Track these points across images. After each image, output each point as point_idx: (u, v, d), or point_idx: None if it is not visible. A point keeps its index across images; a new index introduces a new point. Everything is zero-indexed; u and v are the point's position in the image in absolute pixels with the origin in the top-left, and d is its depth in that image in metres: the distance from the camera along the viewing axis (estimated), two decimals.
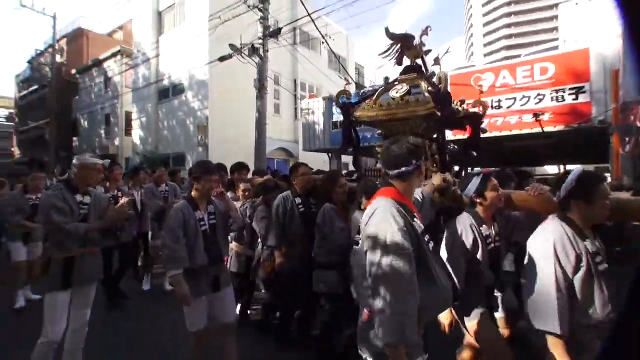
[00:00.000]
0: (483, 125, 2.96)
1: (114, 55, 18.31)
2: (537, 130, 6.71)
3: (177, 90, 14.95)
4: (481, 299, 2.09)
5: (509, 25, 62.20)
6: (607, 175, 6.12)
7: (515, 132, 7.04)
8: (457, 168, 3.05)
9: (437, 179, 2.32)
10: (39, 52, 20.36)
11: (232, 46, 8.95)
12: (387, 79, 2.87)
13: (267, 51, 9.02)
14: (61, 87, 19.31)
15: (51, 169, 14.72)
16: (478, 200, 2.12)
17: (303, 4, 8.80)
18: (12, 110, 31.01)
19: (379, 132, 3.11)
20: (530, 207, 2.13)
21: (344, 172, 4.26)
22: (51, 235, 2.54)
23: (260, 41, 8.91)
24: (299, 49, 14.93)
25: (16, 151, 29.27)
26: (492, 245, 2.12)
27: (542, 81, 6.74)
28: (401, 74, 2.75)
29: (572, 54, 6.58)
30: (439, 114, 2.37)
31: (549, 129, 6.58)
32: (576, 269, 1.58)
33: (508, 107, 7.11)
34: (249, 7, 8.87)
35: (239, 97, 13.34)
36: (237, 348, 2.56)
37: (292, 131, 16.43)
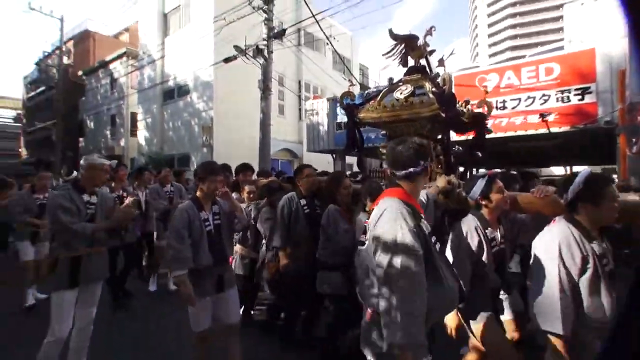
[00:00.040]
0: (487, 126, 2.95)
1: (119, 56, 18.45)
2: (543, 130, 6.67)
3: (182, 91, 15.04)
4: (486, 302, 2.08)
5: (514, 26, 61.88)
6: (614, 176, 6.07)
7: (520, 132, 7.00)
8: (461, 169, 3.04)
9: (441, 181, 2.31)
10: (46, 53, 20.58)
11: (236, 47, 8.99)
12: (391, 79, 2.87)
13: (272, 52, 9.06)
14: (68, 88, 19.49)
15: (57, 169, 14.88)
16: (483, 202, 2.11)
17: (307, 5, 8.81)
18: (19, 111, 31.34)
19: (383, 132, 3.11)
20: (536, 209, 2.12)
21: (348, 173, 4.27)
22: (58, 234, 2.55)
23: (265, 42, 8.95)
24: (303, 49, 14.98)
25: (23, 151, 29.59)
26: (497, 247, 2.10)
27: (547, 81, 6.70)
28: (405, 74, 2.75)
29: (578, 54, 6.54)
30: (443, 115, 2.37)
31: (554, 129, 6.54)
32: (582, 270, 1.57)
33: (513, 108, 7.07)
34: (253, 8, 8.91)
35: (244, 98, 13.39)
36: (240, 348, 2.56)
37: (296, 132, 16.46)
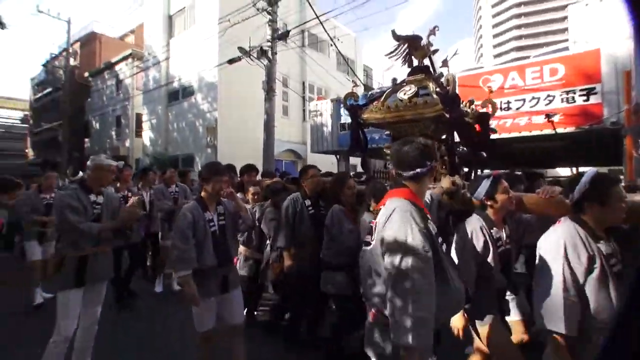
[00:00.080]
0: (492, 125, 2.94)
1: (125, 58, 18.59)
2: (548, 131, 6.64)
3: (186, 92, 15.12)
4: (492, 303, 2.06)
5: (518, 27, 61.62)
6: (621, 177, 6.03)
7: (525, 133, 6.97)
8: (466, 169, 3.03)
9: (446, 182, 2.30)
10: (53, 55, 20.79)
11: (240, 49, 9.04)
12: (394, 80, 2.87)
13: (276, 53, 9.09)
14: (74, 89, 19.66)
15: (63, 170, 15.02)
16: (488, 203, 2.10)
17: (311, 6, 8.85)
18: (27, 112, 31.64)
19: (387, 133, 3.11)
20: (542, 210, 2.11)
21: (352, 173, 4.27)
22: (65, 234, 2.58)
23: (269, 43, 8.99)
24: (307, 51, 15.00)
25: (30, 152, 29.87)
26: (503, 247, 2.09)
27: (552, 82, 6.67)
28: (409, 75, 2.75)
29: (583, 54, 6.51)
30: (447, 115, 2.37)
31: (559, 130, 6.51)
32: (588, 270, 1.56)
33: (517, 109, 7.05)
34: (257, 10, 8.96)
35: (248, 99, 13.45)
36: (244, 349, 2.57)
37: (300, 133, 16.48)
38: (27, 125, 31.13)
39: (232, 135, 13.34)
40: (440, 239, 1.56)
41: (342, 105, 9.75)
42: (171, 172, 5.26)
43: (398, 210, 1.47)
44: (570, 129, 6.49)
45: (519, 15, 61.83)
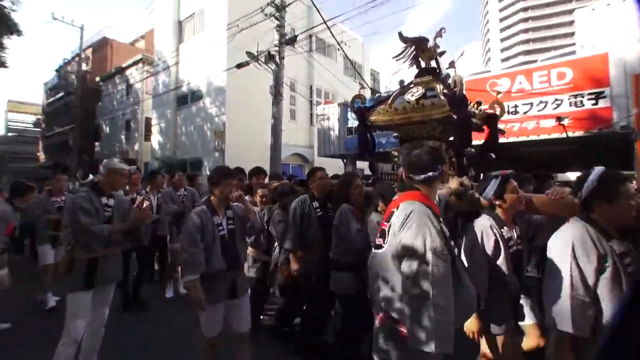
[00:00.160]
0: (500, 127, 2.93)
1: (135, 63, 18.90)
2: (556, 135, 6.60)
3: (195, 96, 15.31)
4: (506, 308, 2.02)
5: (525, 30, 61.30)
6: (634, 182, 5.95)
7: (533, 137, 6.93)
8: (474, 171, 3.02)
9: (454, 183, 2.31)
10: (66, 60, 21.23)
11: (249, 53, 9.15)
12: (401, 82, 2.89)
13: (283, 58, 9.19)
14: (85, 94, 20.01)
15: (73, 173, 15.26)
16: (497, 203, 2.08)
17: (319, 11, 8.94)
18: (39, 117, 32.26)
19: (395, 135, 3.13)
20: (551, 210, 2.08)
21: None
22: (76, 235, 2.60)
23: (276, 48, 9.09)
24: (314, 55, 15.13)
25: (41, 155, 30.41)
26: (514, 247, 2.05)
27: (560, 86, 6.64)
28: (416, 76, 2.77)
29: (590, 58, 6.47)
30: (454, 116, 2.38)
31: (568, 134, 6.46)
32: (599, 270, 1.54)
33: (525, 112, 7.02)
34: (265, 15, 9.08)
35: (256, 103, 13.58)
36: (250, 355, 2.56)
37: (307, 137, 16.55)
38: (39, 129, 31.72)
39: (240, 139, 13.45)
40: (452, 242, 1.56)
41: (349, 109, 9.80)
42: (180, 176, 5.29)
43: (416, 212, 1.46)
44: (579, 133, 6.44)
45: (526, 20, 61.56)
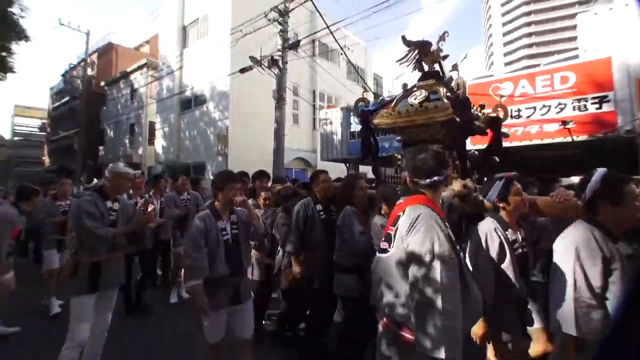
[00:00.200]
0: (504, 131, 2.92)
1: (140, 67, 19.06)
2: (559, 139, 6.58)
3: (198, 100, 15.40)
4: (512, 312, 2.00)
5: (529, 34, 61.38)
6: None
7: (536, 141, 6.92)
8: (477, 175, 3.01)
9: (457, 185, 2.29)
10: (72, 65, 21.48)
11: (252, 58, 9.21)
12: (405, 85, 2.89)
13: (286, 63, 9.24)
14: (90, 98, 20.20)
15: (77, 177, 15.37)
16: (501, 205, 2.07)
17: (322, 16, 9.01)
18: (45, 121, 32.58)
19: (398, 139, 3.13)
20: (556, 213, 2.07)
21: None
22: (81, 239, 2.61)
23: (280, 53, 9.16)
24: (317, 60, 15.21)
25: (46, 159, 30.67)
26: (520, 250, 2.03)
27: (563, 90, 6.64)
28: (419, 80, 2.78)
29: (593, 62, 6.47)
30: (458, 119, 2.38)
31: (571, 138, 6.44)
32: (606, 273, 1.52)
33: (528, 117, 7.01)
34: (269, 20, 9.15)
35: (259, 108, 13.65)
36: None
37: (310, 141, 16.60)
38: (44, 133, 32.02)
39: (243, 144, 13.50)
40: (458, 246, 1.55)
41: (352, 113, 9.83)
42: (183, 180, 5.29)
43: (423, 217, 1.44)
44: (583, 137, 6.42)
45: (529, 24, 61.65)
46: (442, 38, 2.65)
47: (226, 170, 3.20)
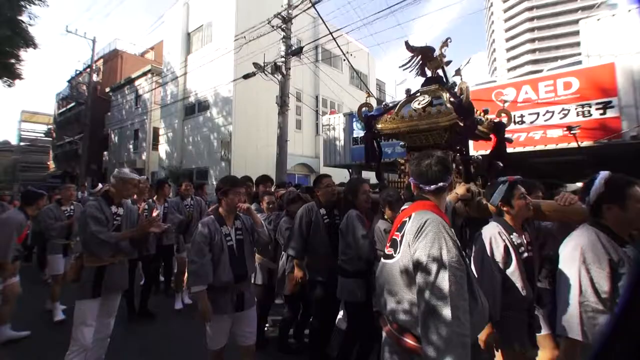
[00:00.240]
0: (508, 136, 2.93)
1: (144, 73, 19.25)
2: (563, 145, 6.55)
3: (202, 106, 15.50)
4: (520, 319, 1.97)
5: (532, 40, 61.50)
6: None
7: (540, 147, 6.89)
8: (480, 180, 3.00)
9: (461, 189, 2.28)
10: (78, 72, 21.73)
11: (255, 64, 9.27)
12: (408, 90, 2.91)
13: (289, 69, 9.30)
14: (95, 104, 20.40)
15: (81, 182, 15.48)
16: (504, 209, 2.05)
17: (324, 23, 9.07)
18: (50, 126, 32.88)
19: (401, 144, 3.14)
20: (560, 217, 2.05)
21: None
22: (86, 243, 2.63)
23: (283, 59, 9.22)
24: (320, 66, 15.31)
25: (52, 164, 30.91)
26: (525, 254, 2.00)
27: (566, 95, 6.63)
28: (422, 85, 2.80)
29: (597, 68, 6.46)
30: (461, 124, 2.39)
31: (575, 144, 6.41)
32: (613, 276, 1.49)
33: (531, 122, 7.00)
34: (272, 27, 9.22)
35: (262, 113, 13.73)
36: None
37: (313, 146, 16.62)
38: (50, 139, 32.30)
39: (246, 149, 13.55)
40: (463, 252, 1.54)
41: (354, 119, 9.86)
42: (186, 185, 5.30)
43: (431, 222, 1.43)
44: (588, 143, 6.39)
45: (532, 30, 61.79)
46: (445, 44, 2.67)
47: (230, 175, 3.21)
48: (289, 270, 3.30)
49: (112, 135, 22.36)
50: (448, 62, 2.72)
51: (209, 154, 14.75)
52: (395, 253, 1.52)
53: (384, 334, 1.58)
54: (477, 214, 2.28)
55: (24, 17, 10.50)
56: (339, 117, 10.73)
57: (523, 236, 2.06)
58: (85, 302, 2.56)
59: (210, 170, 14.49)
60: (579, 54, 8.16)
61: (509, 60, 64.94)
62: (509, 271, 1.95)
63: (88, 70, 19.68)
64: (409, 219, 1.52)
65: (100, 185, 6.19)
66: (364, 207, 2.86)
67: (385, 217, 2.77)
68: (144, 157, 18.96)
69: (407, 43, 2.74)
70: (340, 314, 3.61)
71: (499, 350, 2.00)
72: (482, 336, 1.94)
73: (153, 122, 18.52)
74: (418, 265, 1.38)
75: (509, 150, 3.95)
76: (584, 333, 1.48)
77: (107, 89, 22.59)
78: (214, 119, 14.67)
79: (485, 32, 78.20)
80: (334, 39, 8.63)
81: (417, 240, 1.42)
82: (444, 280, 1.30)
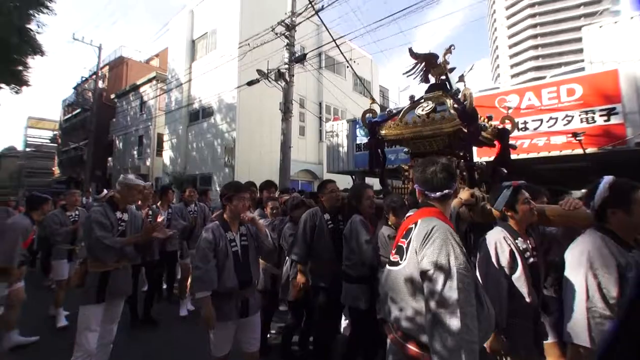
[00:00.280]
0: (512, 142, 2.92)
1: (149, 80, 19.46)
2: (567, 152, 6.53)
3: (206, 112, 15.62)
4: (526, 326, 1.94)
5: (535, 47, 61.62)
6: None
7: (544, 153, 6.87)
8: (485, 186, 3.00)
9: (465, 194, 2.28)
10: (84, 78, 22.00)
11: (259, 71, 9.34)
12: (412, 97, 2.93)
13: (293, 75, 9.36)
14: (100, 110, 20.60)
15: (86, 187, 15.57)
16: (509, 213, 2.04)
17: (328, 30, 9.14)
18: (56, 132, 33.17)
19: (405, 150, 3.15)
20: (565, 222, 2.04)
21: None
22: (91, 248, 2.64)
23: (286, 66, 9.29)
24: (324, 73, 15.40)
25: (57, 170, 31.13)
26: (531, 259, 1.98)
27: (570, 102, 6.62)
28: (426, 92, 2.81)
29: (600, 75, 6.46)
30: (465, 130, 2.40)
31: (579, 150, 6.39)
32: (621, 281, 1.48)
33: (535, 129, 6.99)
34: (276, 34, 9.31)
35: (265, 120, 13.81)
36: None
37: (316, 153, 16.66)
38: (55, 145, 32.57)
39: (250, 155, 13.61)
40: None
41: (357, 126, 9.88)
42: (190, 191, 5.31)
43: (438, 229, 1.42)
44: (592, 150, 6.36)
45: (534, 36, 61.95)
46: (448, 51, 2.69)
47: (234, 181, 3.22)
48: (292, 276, 3.28)
49: (117, 142, 22.54)
50: (452, 69, 2.73)
51: (213, 160, 14.81)
52: (401, 260, 1.52)
53: (388, 341, 1.57)
54: (481, 218, 2.27)
55: (32, 25, 10.67)
56: (342, 123, 10.75)
57: (528, 241, 2.04)
58: (89, 307, 2.57)
59: (214, 176, 14.54)
60: (582, 60, 8.17)
61: (512, 66, 65.03)
62: (514, 277, 1.93)
63: (94, 77, 19.91)
64: (415, 225, 1.51)
65: (105, 191, 6.23)
66: (367, 213, 2.86)
67: (389, 223, 2.77)
68: (148, 163, 19.07)
69: (410, 50, 2.77)
70: (345, 322, 3.59)
71: (506, 358, 1.97)
72: (489, 343, 1.91)
73: (157, 128, 18.67)
74: (426, 272, 1.38)
75: (513, 156, 3.95)
76: (592, 339, 1.46)
77: (113, 96, 22.84)
78: (217, 125, 14.76)
79: (489, 38, 78.50)
80: (337, 46, 8.69)
81: (424, 247, 1.41)
82: (452, 287, 1.30)
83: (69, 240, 4.56)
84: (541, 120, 6.94)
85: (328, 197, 3.16)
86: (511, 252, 1.93)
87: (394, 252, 1.61)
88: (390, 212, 2.70)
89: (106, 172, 22.82)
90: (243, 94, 12.88)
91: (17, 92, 11.90)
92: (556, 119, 6.76)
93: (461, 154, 2.85)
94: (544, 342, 2.12)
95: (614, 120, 6.20)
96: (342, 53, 9.04)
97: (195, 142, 16.08)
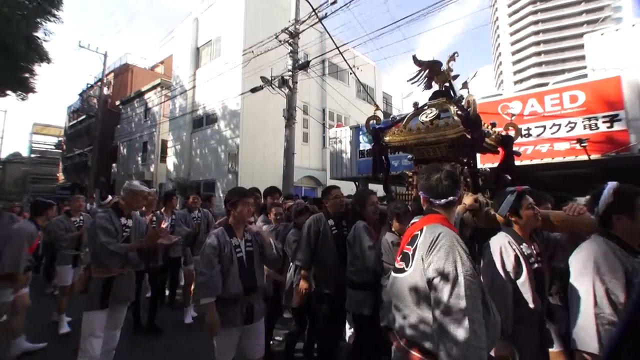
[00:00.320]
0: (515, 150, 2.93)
1: (154, 87, 19.62)
2: (570, 158, 6.52)
3: (210, 119, 15.71)
4: (531, 334, 1.93)
5: (538, 54, 61.78)
6: None
7: (547, 160, 6.86)
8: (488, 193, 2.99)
9: (469, 199, 2.28)
10: (89, 85, 22.24)
11: (263, 78, 9.42)
12: (416, 104, 2.95)
13: (296, 82, 9.42)
14: (105, 117, 20.79)
15: (90, 193, 15.65)
16: (513, 219, 2.04)
17: (331, 37, 9.22)
18: (61, 138, 33.46)
19: (409, 157, 3.16)
20: (569, 227, 2.04)
21: None
22: (95, 254, 2.66)
23: (290, 73, 9.37)
24: (327, 79, 15.49)
25: (61, 176, 31.34)
26: (535, 265, 1.97)
27: (573, 109, 6.63)
28: (430, 99, 2.83)
29: (603, 81, 6.47)
30: (468, 136, 2.41)
31: (583, 157, 6.38)
32: (627, 287, 1.47)
33: (538, 135, 6.99)
34: (280, 42, 9.40)
35: (269, 126, 13.87)
36: None
37: (319, 159, 16.69)
38: (60, 151, 32.83)
39: (253, 162, 13.65)
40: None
41: (361, 132, 9.91)
42: (194, 198, 5.33)
43: (445, 236, 1.42)
44: (595, 156, 6.35)
45: (537, 43, 62.12)
46: (452, 58, 2.71)
47: (239, 187, 3.22)
48: (296, 283, 3.26)
49: (121, 148, 22.69)
50: (455, 76, 2.75)
51: (217, 166, 14.87)
52: (407, 267, 1.51)
53: (393, 348, 1.57)
54: (485, 224, 2.27)
55: (39, 33, 10.83)
56: (345, 130, 10.79)
57: (532, 247, 2.04)
58: (93, 313, 2.58)
59: (217, 183, 14.59)
60: (585, 67, 8.20)
61: (515, 73, 65.14)
62: (519, 282, 1.92)
63: (99, 83, 20.13)
64: (421, 232, 1.51)
65: (109, 197, 6.26)
66: (371, 219, 2.86)
67: (393, 229, 2.77)
68: (152, 169, 19.15)
69: (414, 57, 2.79)
70: (350, 330, 3.56)
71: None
72: (495, 350, 1.89)
73: (162, 134, 18.78)
74: (433, 279, 1.37)
75: (516, 163, 3.95)
76: (602, 346, 1.44)
77: (117, 102, 23.05)
78: (221, 131, 14.84)
79: (492, 45, 78.78)
80: (341, 53, 8.76)
81: (430, 253, 1.41)
82: (459, 294, 1.30)
83: (74, 246, 4.58)
84: (544, 127, 6.94)
85: (332, 202, 3.16)
86: (516, 257, 1.92)
87: (399, 258, 1.61)
88: (394, 219, 2.70)
89: (110, 178, 22.94)
90: (247, 101, 12.98)
91: (23, 99, 12.05)
92: (559, 125, 6.77)
93: (465, 160, 2.86)
94: (550, 350, 2.10)
95: (617, 126, 6.20)
96: (345, 60, 9.11)
97: (199, 149, 16.17)
